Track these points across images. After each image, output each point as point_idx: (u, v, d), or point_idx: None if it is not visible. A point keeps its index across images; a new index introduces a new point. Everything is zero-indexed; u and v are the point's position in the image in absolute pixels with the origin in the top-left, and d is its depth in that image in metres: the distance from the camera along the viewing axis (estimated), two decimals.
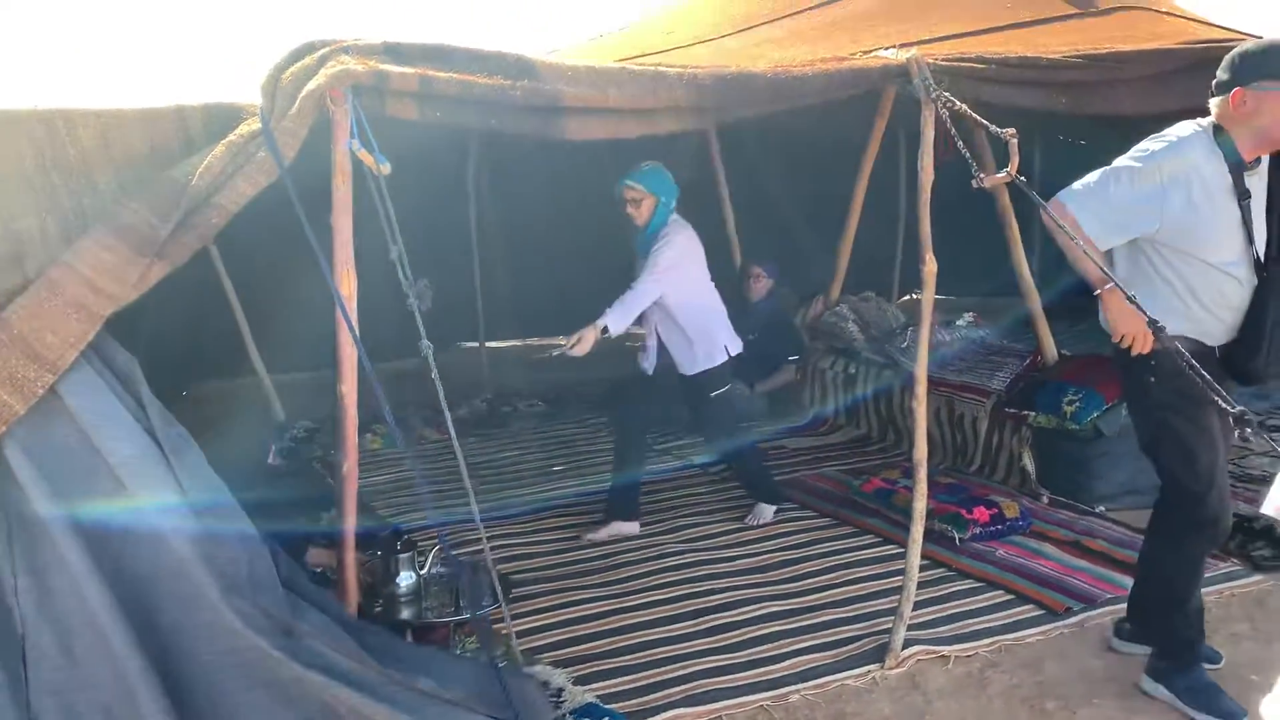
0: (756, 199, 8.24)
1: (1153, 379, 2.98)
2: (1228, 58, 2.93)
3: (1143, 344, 2.92)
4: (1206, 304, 2.97)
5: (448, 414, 2.84)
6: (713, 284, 4.67)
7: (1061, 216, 2.94)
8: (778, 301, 7.24)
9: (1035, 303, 5.67)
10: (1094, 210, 2.94)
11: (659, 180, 4.34)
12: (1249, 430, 3.00)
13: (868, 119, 6.07)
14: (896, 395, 6.28)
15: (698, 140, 7.33)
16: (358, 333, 2.64)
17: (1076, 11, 4.92)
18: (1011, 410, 5.45)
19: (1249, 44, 2.96)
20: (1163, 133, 2.99)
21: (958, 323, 6.55)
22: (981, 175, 3.28)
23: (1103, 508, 5.04)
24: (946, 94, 3.42)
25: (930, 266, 3.60)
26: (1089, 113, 4.12)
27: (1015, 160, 3.27)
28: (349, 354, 2.80)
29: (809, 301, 7.33)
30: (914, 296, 10.01)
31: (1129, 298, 2.87)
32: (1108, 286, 2.93)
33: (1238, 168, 2.89)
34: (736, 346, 4.72)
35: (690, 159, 7.41)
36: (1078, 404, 5.09)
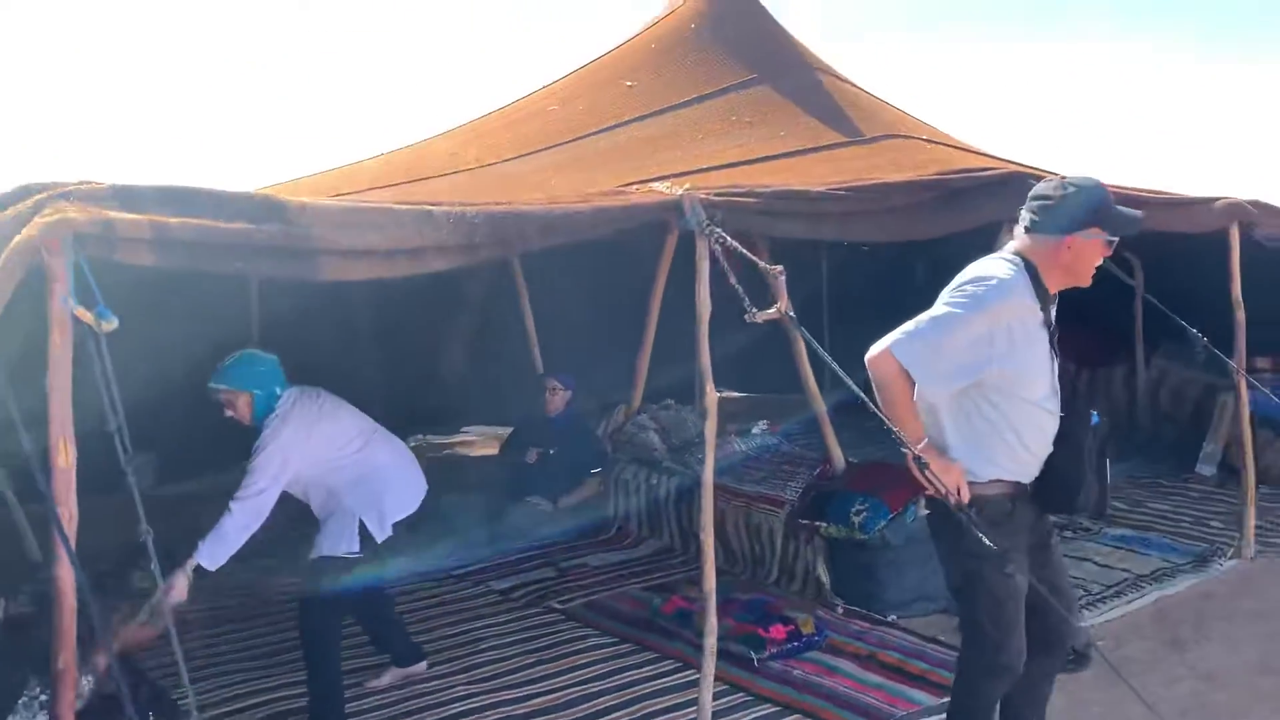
0: (560, 308, 8.23)
1: (965, 530, 2.86)
2: (1045, 197, 2.89)
3: (964, 495, 2.86)
4: (1028, 442, 2.91)
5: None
6: (363, 446, 3.97)
7: (887, 365, 2.84)
8: (578, 413, 7.19)
9: (821, 410, 5.82)
10: (924, 360, 2.80)
11: (245, 373, 3.73)
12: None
13: (661, 235, 6.18)
14: (698, 506, 6.27)
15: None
16: (75, 510, 2.35)
17: (845, 141, 5.19)
18: (804, 521, 5.53)
19: (1070, 187, 2.88)
20: (982, 273, 2.88)
21: (752, 431, 6.67)
22: (753, 311, 3.34)
23: (894, 615, 5.15)
24: (719, 230, 3.48)
25: (710, 397, 3.62)
26: (859, 240, 4.29)
27: (784, 298, 3.35)
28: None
29: (611, 411, 7.32)
30: (724, 394, 10.27)
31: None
32: (923, 444, 2.87)
33: (1047, 303, 2.89)
34: (385, 531, 3.93)
35: (491, 269, 7.34)
36: (865, 513, 5.21)
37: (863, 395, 2.99)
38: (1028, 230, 2.92)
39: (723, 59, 5.59)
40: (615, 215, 3.51)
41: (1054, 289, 2.93)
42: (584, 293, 8.60)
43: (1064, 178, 2.95)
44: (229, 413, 3.77)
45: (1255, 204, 5.91)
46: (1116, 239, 2.89)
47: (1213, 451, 7.68)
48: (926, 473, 2.84)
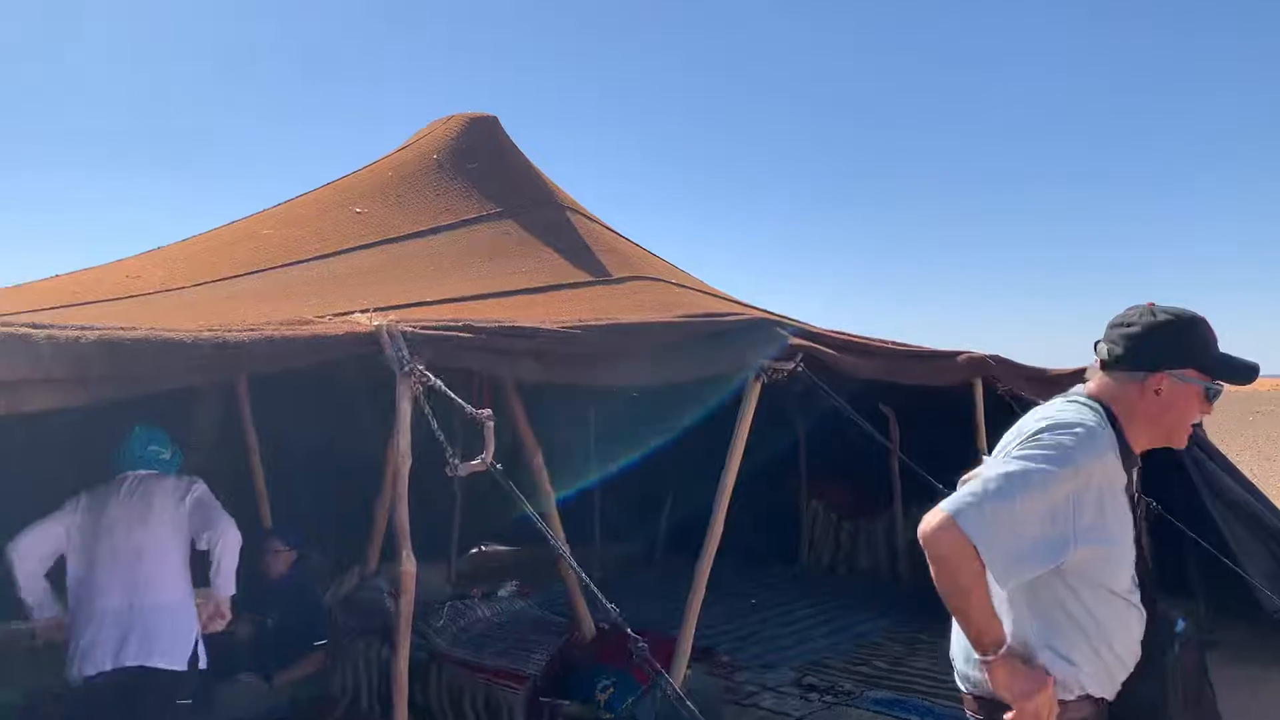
0: (292, 450, 7.40)
1: None
2: (1127, 324, 2.28)
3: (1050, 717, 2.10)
4: (1117, 649, 2.22)
5: None
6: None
7: (951, 541, 2.03)
8: (303, 575, 6.33)
9: (569, 571, 5.30)
10: (997, 534, 2.01)
11: None
12: None
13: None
14: (434, 682, 5.54)
15: (226, 388, 6.46)
16: None
17: (590, 280, 4.88)
18: (546, 699, 4.92)
19: (1161, 314, 2.26)
20: (1062, 418, 2.20)
21: (500, 594, 6.05)
22: (455, 463, 2.84)
23: None
24: (421, 367, 2.99)
25: (408, 567, 3.04)
26: (592, 384, 3.90)
27: (490, 447, 2.86)
28: None
29: (343, 573, 6.51)
30: (482, 549, 9.57)
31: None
32: (1003, 650, 2.10)
33: (1130, 464, 2.23)
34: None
35: (219, 409, 6.50)
36: (612, 690, 4.67)
37: (573, 562, 2.52)
38: (1105, 366, 2.30)
39: (466, 191, 5.24)
40: (298, 346, 2.95)
41: (1138, 446, 2.27)
42: (319, 434, 7.84)
43: (1152, 305, 2.31)
44: None
45: (996, 359, 6.03)
46: (1220, 391, 2.27)
47: None
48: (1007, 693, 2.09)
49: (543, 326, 3.62)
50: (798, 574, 9.79)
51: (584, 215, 5.65)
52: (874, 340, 5.30)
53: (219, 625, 3.75)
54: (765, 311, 5.04)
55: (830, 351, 4.63)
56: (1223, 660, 4.99)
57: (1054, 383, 6.16)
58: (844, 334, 5.12)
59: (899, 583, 8.80)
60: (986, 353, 6.01)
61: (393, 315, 3.38)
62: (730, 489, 4.45)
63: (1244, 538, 6.10)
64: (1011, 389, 5.97)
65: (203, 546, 3.81)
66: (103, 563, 3.67)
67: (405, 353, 3.00)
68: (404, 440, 3.02)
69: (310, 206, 5.01)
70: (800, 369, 4.44)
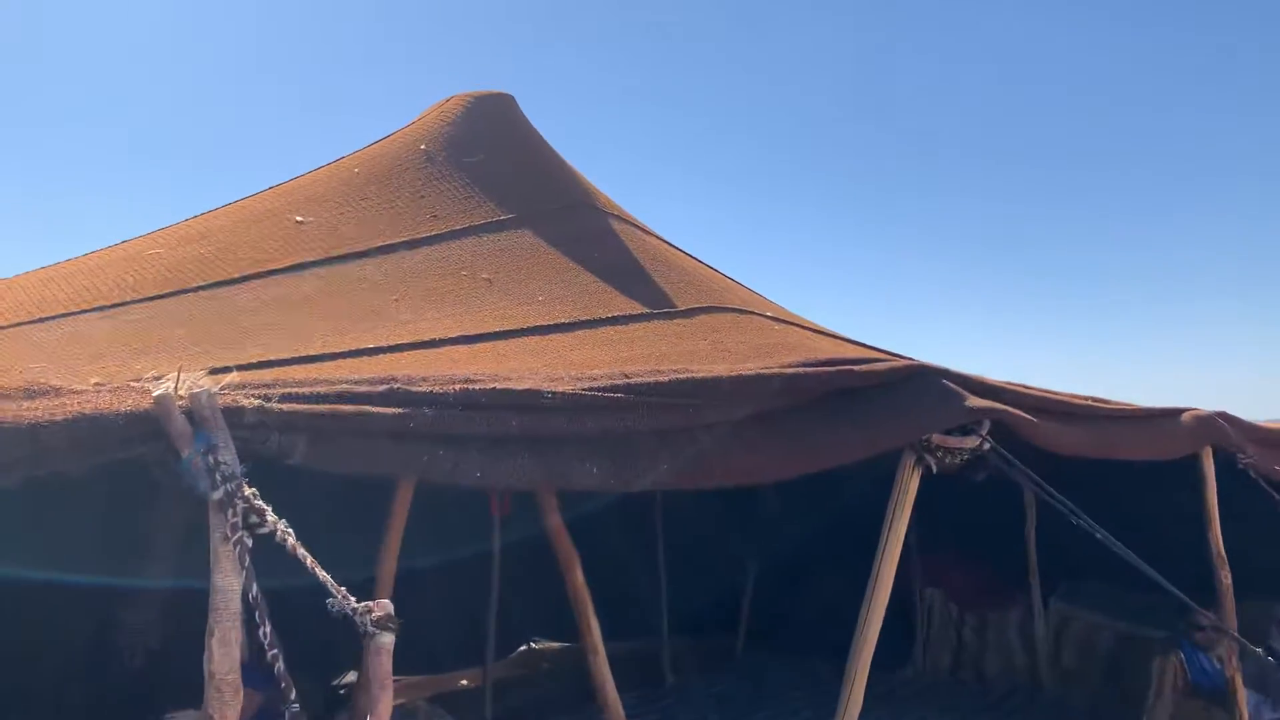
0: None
1: None
2: None
3: None
4: None
5: None
6: None
7: None
8: None
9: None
10: None
11: None
12: None
13: None
14: None
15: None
16: None
17: (644, 311, 3.17)
18: None
19: None
20: None
21: None
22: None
23: None
24: (246, 493, 1.31)
25: None
26: (647, 488, 2.21)
27: None
28: None
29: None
30: (532, 646, 7.79)
31: None
32: None
33: None
34: None
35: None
36: None
37: None
38: None
39: (460, 192, 3.60)
40: None
41: None
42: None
43: None
44: None
45: (1227, 418, 4.18)
46: None
47: None
48: None
49: (552, 389, 1.92)
50: (911, 680, 7.84)
51: (635, 225, 3.98)
52: (1067, 396, 3.53)
53: None
54: (904, 358, 3.30)
55: (1027, 418, 2.87)
56: None
57: None
58: (1028, 387, 3.35)
59: (1040, 691, 6.88)
60: (1212, 409, 4.18)
61: (271, 374, 1.73)
62: (883, 592, 2.75)
63: None
64: (1253, 462, 4.12)
65: None
66: None
67: (213, 447, 1.32)
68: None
69: (233, 215, 3.40)
70: (987, 447, 2.69)
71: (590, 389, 1.96)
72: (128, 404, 1.40)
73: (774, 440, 2.29)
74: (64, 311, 2.55)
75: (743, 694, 6.27)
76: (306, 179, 3.73)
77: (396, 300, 2.92)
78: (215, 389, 1.41)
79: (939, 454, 2.69)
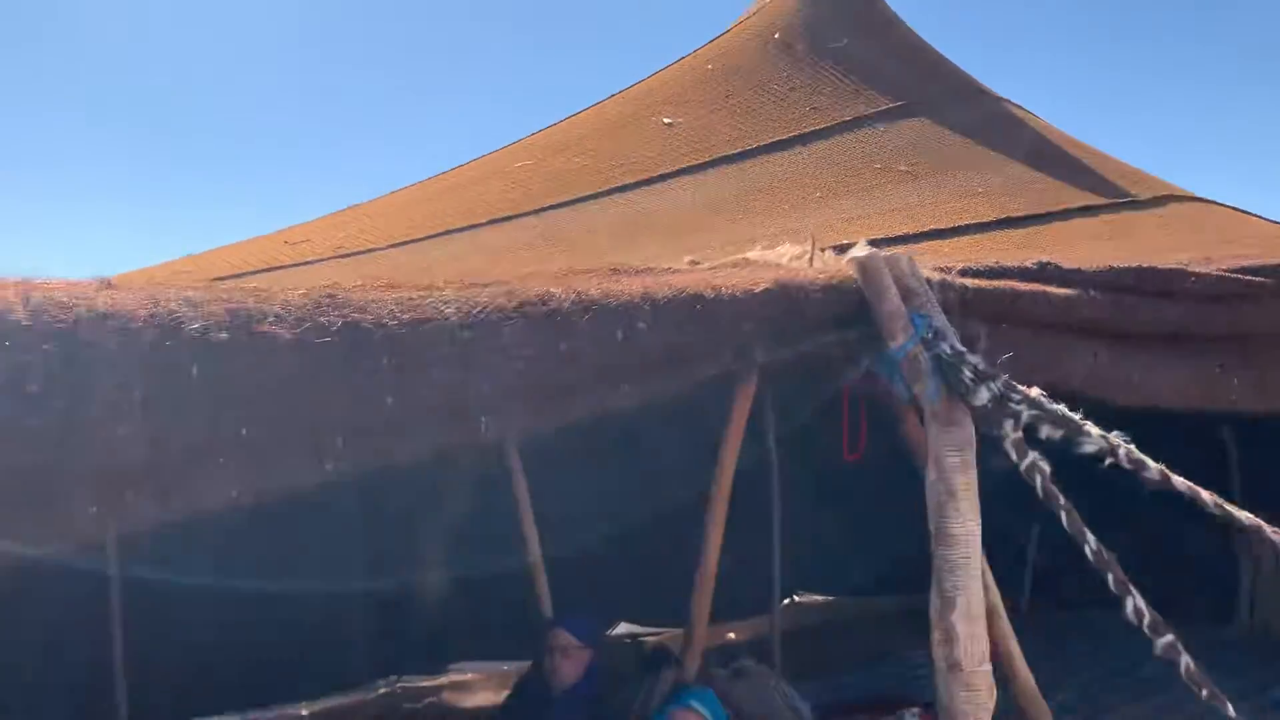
0: (576, 494, 5.52)
1: None
2: None
3: None
4: None
5: None
6: None
7: None
8: (598, 683, 4.42)
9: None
10: None
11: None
12: None
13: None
14: None
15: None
16: None
17: (1106, 202, 2.58)
18: None
19: None
20: None
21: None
22: None
23: None
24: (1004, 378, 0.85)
25: None
26: None
27: None
28: None
29: (652, 677, 4.54)
30: (795, 599, 7.35)
31: None
32: None
33: None
34: None
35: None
36: None
37: None
38: None
39: (838, 79, 3.10)
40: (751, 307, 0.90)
41: None
42: (612, 469, 5.92)
43: None
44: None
45: None
46: None
47: None
48: None
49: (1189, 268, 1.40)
50: (1234, 640, 6.88)
51: (1021, 109, 3.37)
52: None
53: None
54: None
55: None
56: None
57: None
58: None
59: None
60: None
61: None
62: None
63: None
64: None
65: None
66: None
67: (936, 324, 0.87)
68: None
69: (589, 124, 3.04)
70: None
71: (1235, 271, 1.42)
72: (820, 274, 0.98)
73: None
74: (464, 224, 2.24)
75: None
76: (656, 80, 3.33)
77: (804, 199, 2.47)
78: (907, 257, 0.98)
79: None
